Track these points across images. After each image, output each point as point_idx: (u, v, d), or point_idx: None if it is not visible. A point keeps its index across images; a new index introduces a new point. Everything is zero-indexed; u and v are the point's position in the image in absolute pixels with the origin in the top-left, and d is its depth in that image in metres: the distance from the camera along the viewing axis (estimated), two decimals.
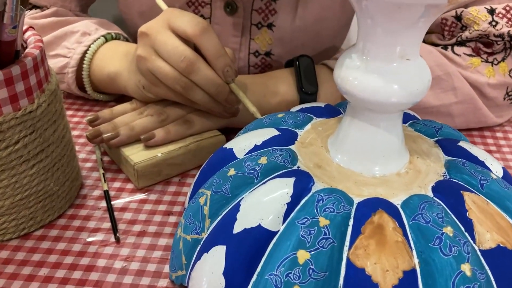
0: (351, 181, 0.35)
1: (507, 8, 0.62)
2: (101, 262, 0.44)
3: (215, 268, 0.34)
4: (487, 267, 0.32)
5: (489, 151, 0.60)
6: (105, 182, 0.52)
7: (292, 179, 0.35)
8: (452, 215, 0.33)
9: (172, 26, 0.51)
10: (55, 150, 0.46)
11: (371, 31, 0.32)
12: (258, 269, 0.32)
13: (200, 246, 0.37)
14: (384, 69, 0.33)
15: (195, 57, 0.50)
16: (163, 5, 0.55)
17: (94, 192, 0.52)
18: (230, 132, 0.60)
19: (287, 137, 0.40)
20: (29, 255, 0.44)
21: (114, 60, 0.61)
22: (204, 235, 0.37)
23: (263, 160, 0.37)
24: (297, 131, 0.41)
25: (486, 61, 0.62)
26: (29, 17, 0.66)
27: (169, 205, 0.50)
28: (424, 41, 0.66)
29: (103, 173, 0.53)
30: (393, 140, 0.36)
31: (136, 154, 0.52)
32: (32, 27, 0.46)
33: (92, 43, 0.62)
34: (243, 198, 0.36)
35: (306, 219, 0.32)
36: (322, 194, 0.33)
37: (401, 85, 0.33)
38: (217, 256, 0.34)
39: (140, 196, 0.51)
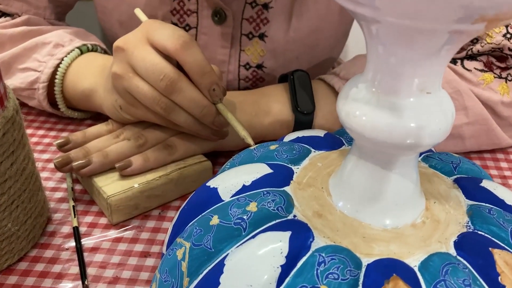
0: (359, 236, 0.29)
1: None
2: None
3: None
4: None
5: (504, 177, 0.55)
6: (75, 217, 0.46)
7: (288, 234, 0.29)
8: (482, 281, 0.27)
9: (151, 40, 0.45)
10: (13, 186, 0.40)
11: (383, 60, 0.26)
12: None
13: None
14: (399, 105, 0.27)
15: (177, 75, 0.45)
16: (142, 16, 0.49)
17: (63, 228, 0.46)
18: (218, 156, 0.55)
19: (281, 176, 0.34)
20: None
21: (89, 75, 0.55)
22: None
23: (253, 206, 0.31)
24: (292, 167, 0.35)
25: (500, 77, 0.56)
26: None
27: (146, 244, 0.44)
28: None
29: (73, 206, 0.47)
30: (408, 186, 0.30)
31: (110, 185, 0.46)
32: None
33: (66, 56, 0.56)
34: (228, 254, 0.30)
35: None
36: (324, 255, 0.28)
37: (420, 123, 0.27)
38: None
39: (114, 233, 0.45)
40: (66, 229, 0.46)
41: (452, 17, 0.22)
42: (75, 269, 0.42)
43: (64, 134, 0.59)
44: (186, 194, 0.50)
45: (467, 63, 0.57)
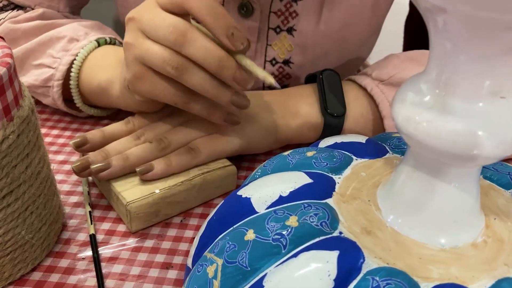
0: (414, 256, 0.26)
1: None
2: None
3: None
4: None
5: None
6: (91, 224, 0.43)
7: (335, 253, 0.26)
8: None
9: (161, 3, 0.42)
10: (28, 191, 0.37)
11: (451, 58, 0.23)
12: None
13: None
14: (468, 110, 0.24)
15: (187, 25, 0.41)
16: None
17: (78, 236, 0.43)
18: (242, 160, 0.52)
19: (323, 187, 0.31)
20: None
21: (106, 67, 0.52)
22: None
23: (293, 221, 0.28)
24: (334, 177, 0.32)
25: None
26: (11, 21, 0.57)
27: (168, 254, 0.41)
28: None
29: (89, 211, 0.44)
30: (468, 201, 0.27)
31: (130, 191, 0.43)
32: (2, 38, 0.37)
33: (81, 50, 0.53)
34: (266, 274, 0.27)
35: None
36: (377, 278, 0.24)
37: (491, 132, 0.24)
38: None
39: (133, 242, 0.42)
40: (82, 236, 0.43)
41: None
42: (92, 280, 0.39)
43: (80, 133, 0.56)
44: (209, 200, 0.47)
45: None
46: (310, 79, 0.56)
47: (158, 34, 0.41)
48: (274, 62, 0.59)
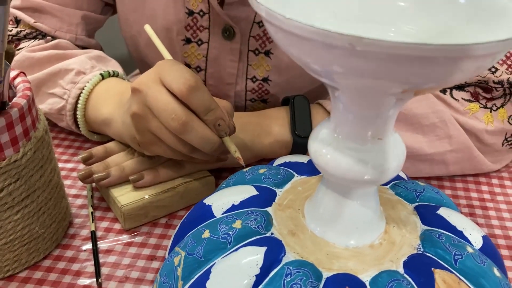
0: (323, 253, 0.35)
1: (508, 54, 0.61)
2: None
3: None
4: None
5: (483, 200, 0.60)
6: (93, 222, 0.53)
7: (264, 249, 0.35)
8: None
9: (163, 81, 0.48)
10: (41, 195, 0.46)
11: (343, 115, 0.32)
12: None
13: None
14: (356, 149, 0.33)
15: (187, 115, 0.47)
16: (151, 33, 0.55)
17: (82, 232, 0.52)
18: (222, 171, 0.61)
19: (265, 198, 0.40)
20: None
21: (109, 102, 0.59)
22: None
23: (238, 224, 0.37)
24: (276, 190, 0.41)
25: (485, 107, 0.61)
26: (28, 49, 0.66)
27: (153, 249, 0.51)
28: None
29: (92, 212, 0.54)
30: (367, 213, 0.36)
31: (124, 196, 0.52)
32: (24, 73, 0.47)
33: (88, 82, 0.61)
34: (215, 264, 0.36)
35: None
36: (291, 268, 0.33)
37: (374, 163, 0.33)
38: None
39: (126, 238, 0.52)
40: (85, 232, 0.52)
41: (391, 90, 0.28)
42: (91, 268, 0.48)
43: (87, 145, 0.65)
44: (191, 205, 0.56)
45: (455, 93, 0.62)
46: (286, 101, 0.65)
47: (161, 117, 0.47)
48: (254, 79, 0.68)
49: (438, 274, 0.34)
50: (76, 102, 0.62)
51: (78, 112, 0.61)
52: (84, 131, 0.63)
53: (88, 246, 0.51)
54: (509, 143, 0.62)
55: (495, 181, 0.63)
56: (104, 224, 0.54)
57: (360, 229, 0.36)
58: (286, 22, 0.26)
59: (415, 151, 0.58)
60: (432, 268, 0.34)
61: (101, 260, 0.49)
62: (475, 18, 0.31)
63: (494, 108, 0.61)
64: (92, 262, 0.49)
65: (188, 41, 0.66)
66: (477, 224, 0.54)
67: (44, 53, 0.65)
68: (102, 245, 0.51)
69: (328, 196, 0.36)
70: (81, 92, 0.61)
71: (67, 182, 0.59)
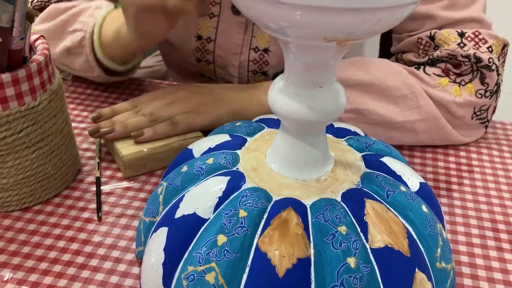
0: (276, 183, 0.43)
1: (476, 33, 0.68)
2: (82, 236, 0.53)
3: (159, 245, 0.42)
4: (374, 262, 0.39)
5: (448, 168, 0.66)
6: (98, 170, 0.61)
7: (228, 178, 0.43)
8: (352, 217, 0.40)
9: None
10: (54, 140, 0.55)
11: (293, 64, 0.39)
12: (190, 248, 0.40)
13: (153, 227, 0.45)
14: (303, 94, 0.40)
15: None
16: None
17: (88, 178, 0.61)
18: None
19: (237, 143, 0.48)
20: (26, 224, 0.54)
21: (118, 20, 0.65)
22: (158, 218, 0.45)
23: (210, 160, 0.45)
24: (247, 138, 0.49)
25: (454, 82, 0.67)
26: (54, 2, 0.75)
27: (148, 193, 0.59)
28: (402, 59, 0.73)
29: (98, 162, 0.62)
30: (315, 152, 0.43)
31: (126, 148, 0.61)
32: (43, 36, 0.56)
33: (101, 11, 0.69)
34: (189, 191, 0.44)
35: (230, 211, 0.40)
36: (247, 192, 0.41)
37: (317, 107, 0.40)
38: (161, 235, 0.42)
39: (125, 184, 0.60)
40: (91, 179, 0.61)
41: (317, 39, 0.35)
42: (93, 205, 0.57)
43: (97, 110, 0.74)
44: None
45: (428, 69, 0.68)
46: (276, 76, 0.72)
47: None
48: (256, 50, 0.76)
49: (369, 203, 0.41)
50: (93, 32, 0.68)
51: (94, 36, 0.68)
52: (100, 54, 0.69)
53: (93, 188, 0.59)
54: (478, 117, 0.69)
55: (462, 153, 0.69)
56: (108, 172, 0.62)
57: (308, 166, 0.43)
58: None
59: (388, 119, 0.65)
60: (365, 198, 0.41)
61: (103, 200, 0.58)
62: None
63: (463, 83, 0.68)
64: (95, 201, 0.57)
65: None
66: (438, 195, 0.61)
67: (68, 4, 0.73)
68: (104, 188, 0.59)
69: (284, 138, 0.44)
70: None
71: (79, 138, 0.68)
